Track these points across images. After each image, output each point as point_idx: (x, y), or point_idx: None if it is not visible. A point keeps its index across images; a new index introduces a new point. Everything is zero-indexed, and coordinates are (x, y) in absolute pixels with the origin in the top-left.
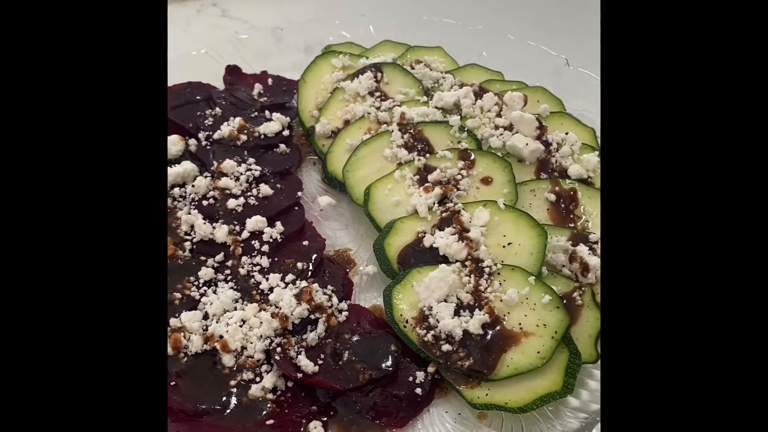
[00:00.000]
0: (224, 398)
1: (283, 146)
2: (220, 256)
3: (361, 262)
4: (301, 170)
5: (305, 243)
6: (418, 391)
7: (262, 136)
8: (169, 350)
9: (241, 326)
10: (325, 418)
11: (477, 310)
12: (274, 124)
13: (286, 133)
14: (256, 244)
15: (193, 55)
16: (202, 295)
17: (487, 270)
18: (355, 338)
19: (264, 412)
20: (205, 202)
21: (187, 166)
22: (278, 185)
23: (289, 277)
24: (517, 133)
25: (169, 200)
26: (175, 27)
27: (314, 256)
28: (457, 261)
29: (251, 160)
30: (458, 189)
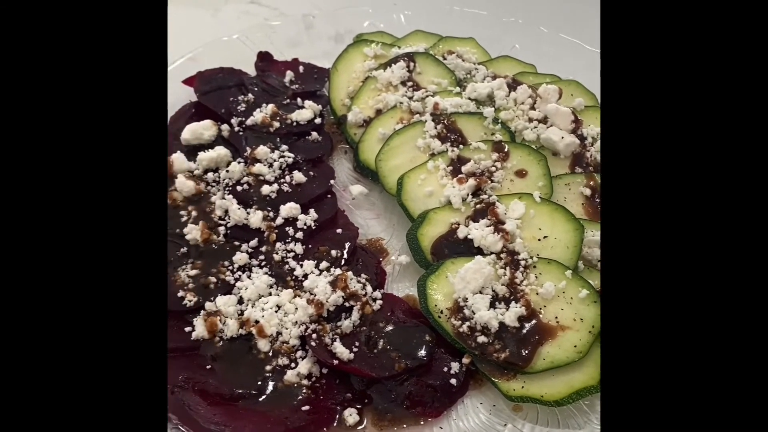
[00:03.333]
0: (260, 383)
1: (315, 134)
2: (254, 242)
3: (393, 251)
4: (332, 159)
5: (338, 231)
6: (453, 381)
7: (295, 124)
8: (205, 334)
9: (276, 312)
10: (360, 406)
11: (513, 302)
12: (307, 112)
13: (317, 120)
14: (290, 230)
15: (223, 41)
16: (236, 279)
17: (522, 263)
18: (389, 327)
19: (299, 398)
20: (239, 188)
21: (221, 151)
22: (311, 173)
23: (323, 264)
24: (552, 126)
25: (203, 185)
26: (203, 13)
27: (348, 244)
28: (492, 253)
29: (284, 146)
30: (492, 181)
